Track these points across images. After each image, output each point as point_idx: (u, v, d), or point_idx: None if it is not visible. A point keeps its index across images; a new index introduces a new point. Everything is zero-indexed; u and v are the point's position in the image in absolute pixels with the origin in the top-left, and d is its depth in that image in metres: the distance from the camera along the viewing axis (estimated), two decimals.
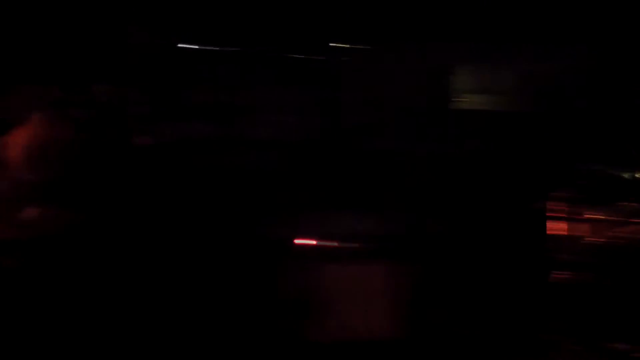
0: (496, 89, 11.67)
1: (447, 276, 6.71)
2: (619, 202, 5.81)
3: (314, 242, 5.95)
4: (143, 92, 8.33)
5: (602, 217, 5.61)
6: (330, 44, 10.13)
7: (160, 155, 5.64)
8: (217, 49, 10.41)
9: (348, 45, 10.38)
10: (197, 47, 10.43)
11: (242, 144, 9.63)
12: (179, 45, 10.47)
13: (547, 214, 5.66)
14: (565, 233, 5.63)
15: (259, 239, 6.07)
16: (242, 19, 9.64)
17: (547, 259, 5.71)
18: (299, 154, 9.34)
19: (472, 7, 9.98)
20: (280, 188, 8.07)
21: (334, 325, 5.66)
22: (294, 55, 10.09)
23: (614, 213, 5.64)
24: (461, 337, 5.85)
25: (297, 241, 5.95)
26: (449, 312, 6.15)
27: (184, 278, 5.02)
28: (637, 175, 5.80)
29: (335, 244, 5.92)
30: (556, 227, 5.61)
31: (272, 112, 10.00)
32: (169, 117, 9.87)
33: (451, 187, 9.20)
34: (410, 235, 6.85)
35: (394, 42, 10.70)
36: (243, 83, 10.72)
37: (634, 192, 5.90)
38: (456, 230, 7.77)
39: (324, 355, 5.57)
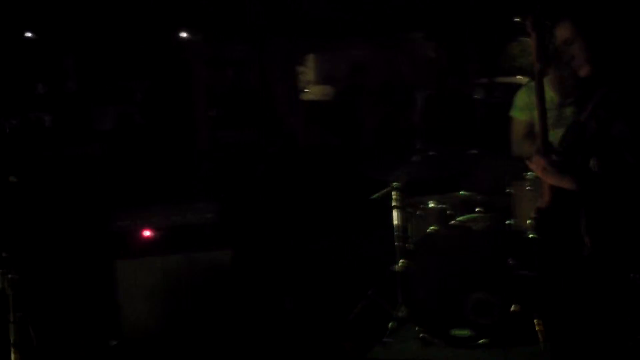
0: (336, 80, 11.78)
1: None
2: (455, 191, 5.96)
3: (155, 233, 5.88)
4: None
5: (440, 206, 5.71)
6: (181, 36, 10.04)
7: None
8: (63, 39, 10.15)
9: (197, 38, 10.31)
10: (42, 37, 10.13)
11: (84, 135, 9.39)
12: (26, 35, 10.16)
13: (391, 205, 5.72)
14: (405, 223, 5.71)
15: (103, 231, 5.94)
16: (91, 12, 9.40)
17: (390, 248, 5.79)
18: (139, 145, 9.20)
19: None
20: (120, 179, 7.92)
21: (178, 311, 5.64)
22: (141, 47, 9.93)
23: (451, 202, 5.75)
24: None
25: (144, 233, 5.86)
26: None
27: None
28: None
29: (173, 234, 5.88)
30: (396, 218, 5.68)
31: (117, 103, 9.84)
32: (11, 107, 9.52)
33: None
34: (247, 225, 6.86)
35: (243, 35, 10.65)
36: (89, 74, 10.44)
37: (470, 182, 6.06)
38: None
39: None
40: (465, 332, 5.29)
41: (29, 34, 10.10)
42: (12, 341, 4.26)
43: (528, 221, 5.24)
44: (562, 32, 3.63)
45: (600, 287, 3.60)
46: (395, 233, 5.68)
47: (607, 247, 3.54)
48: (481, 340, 5.22)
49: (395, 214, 5.69)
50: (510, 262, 5.19)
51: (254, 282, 6.25)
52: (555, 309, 3.87)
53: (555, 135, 3.75)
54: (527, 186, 5.27)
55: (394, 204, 5.69)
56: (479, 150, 5.97)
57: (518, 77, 10.65)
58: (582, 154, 3.57)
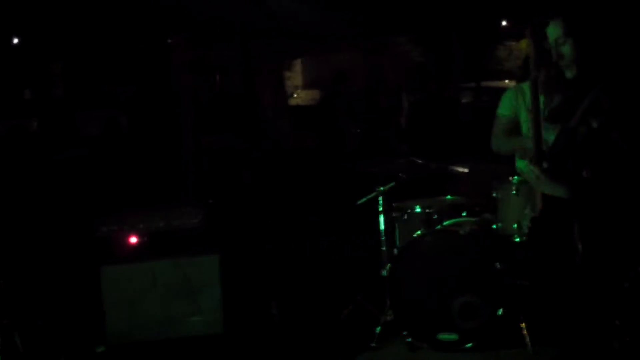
0: (323, 84, 11.74)
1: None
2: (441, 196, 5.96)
3: (141, 239, 5.85)
4: None
5: (426, 211, 5.71)
6: (167, 41, 10.03)
7: None
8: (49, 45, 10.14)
9: (183, 43, 10.30)
10: (30, 43, 10.12)
11: (71, 140, 9.38)
12: (14, 41, 10.16)
13: (377, 209, 5.72)
14: (391, 227, 5.71)
15: (89, 236, 5.92)
16: (78, 18, 9.39)
17: (377, 252, 5.79)
18: (126, 150, 9.19)
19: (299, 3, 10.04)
20: (106, 184, 7.91)
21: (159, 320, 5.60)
22: (127, 53, 9.93)
23: (438, 206, 5.75)
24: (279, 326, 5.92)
25: (130, 239, 5.83)
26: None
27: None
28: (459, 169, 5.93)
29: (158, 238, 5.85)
30: (382, 222, 5.69)
31: (104, 108, 9.83)
32: None
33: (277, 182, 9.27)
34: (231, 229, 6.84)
35: (230, 40, 10.63)
36: (76, 80, 10.42)
37: (453, 185, 6.06)
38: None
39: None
40: (452, 337, 5.28)
41: (16, 40, 10.09)
42: None
43: (514, 225, 5.25)
44: (554, 32, 3.63)
45: (592, 292, 3.60)
46: (382, 238, 5.69)
47: (600, 253, 3.54)
48: (468, 344, 5.22)
49: (381, 218, 5.70)
50: (497, 266, 5.20)
51: (240, 286, 6.24)
52: (549, 314, 3.89)
53: (545, 137, 3.75)
54: (513, 190, 5.27)
55: (380, 208, 5.70)
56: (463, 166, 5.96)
57: (505, 80, 10.71)
58: (573, 160, 3.56)
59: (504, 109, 5.56)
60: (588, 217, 3.54)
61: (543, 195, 3.69)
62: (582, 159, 3.54)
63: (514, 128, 5.50)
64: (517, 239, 5.24)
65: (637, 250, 3.60)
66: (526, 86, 5.27)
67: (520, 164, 4.79)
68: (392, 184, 5.74)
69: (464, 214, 5.71)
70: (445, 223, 5.59)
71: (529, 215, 4.91)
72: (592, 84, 3.61)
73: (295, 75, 11.98)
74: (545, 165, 3.65)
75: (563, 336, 3.80)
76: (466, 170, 5.90)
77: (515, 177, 5.24)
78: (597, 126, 3.51)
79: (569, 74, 3.66)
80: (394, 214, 5.74)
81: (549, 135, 3.80)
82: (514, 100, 5.53)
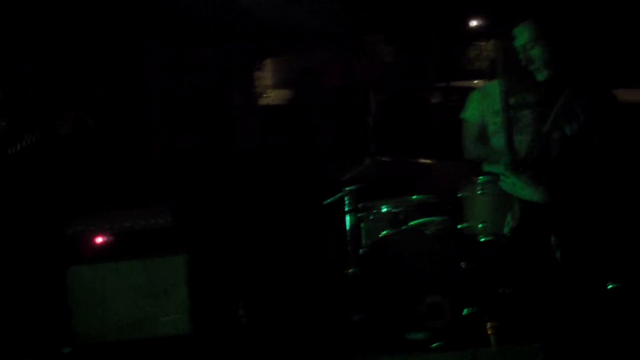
0: (294, 84, 11.76)
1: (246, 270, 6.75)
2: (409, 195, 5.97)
3: (109, 238, 5.83)
4: None
5: (393, 210, 5.72)
6: (137, 41, 9.98)
7: None
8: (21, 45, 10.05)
9: (153, 43, 10.26)
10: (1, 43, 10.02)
11: (39, 140, 9.29)
12: None
13: (343, 209, 5.73)
14: (358, 227, 5.72)
15: (53, 236, 5.88)
16: (48, 16, 9.32)
17: (343, 252, 5.79)
18: (95, 150, 9.13)
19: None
20: (74, 184, 7.85)
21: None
22: (97, 51, 9.86)
23: (404, 206, 5.76)
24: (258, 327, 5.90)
25: (98, 238, 5.81)
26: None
27: None
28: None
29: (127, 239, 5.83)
30: (349, 222, 5.69)
31: (72, 108, 9.75)
32: None
33: (250, 182, 9.26)
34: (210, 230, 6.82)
35: (200, 39, 10.59)
36: (45, 79, 10.34)
37: (420, 185, 6.08)
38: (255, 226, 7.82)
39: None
40: (419, 336, 5.30)
41: None
42: None
43: (479, 225, 5.27)
44: (522, 36, 3.64)
45: (571, 299, 3.60)
46: (348, 237, 5.69)
47: (578, 261, 3.55)
48: (434, 344, 5.24)
49: (348, 218, 5.70)
50: (463, 265, 5.22)
51: (209, 287, 6.23)
52: (520, 315, 3.90)
53: (517, 142, 3.75)
54: (479, 190, 5.29)
55: (347, 208, 5.70)
56: (432, 160, 5.99)
57: (475, 81, 10.74)
58: (549, 167, 3.56)
59: (470, 113, 5.59)
60: (566, 225, 3.53)
61: (520, 203, 3.68)
62: (558, 165, 3.54)
63: (483, 132, 5.53)
64: (483, 239, 5.27)
65: (621, 255, 3.61)
66: (491, 87, 5.30)
67: (495, 168, 4.81)
68: (359, 184, 5.75)
69: (431, 213, 5.73)
70: (411, 223, 5.61)
71: (510, 224, 4.95)
72: (564, 86, 3.61)
73: (265, 75, 11.97)
74: (520, 171, 3.65)
75: (535, 336, 3.81)
76: (433, 165, 5.93)
77: (481, 177, 5.27)
78: (572, 132, 3.51)
79: (540, 77, 3.67)
80: (360, 214, 5.75)
81: (524, 139, 3.81)
82: (479, 103, 5.56)
